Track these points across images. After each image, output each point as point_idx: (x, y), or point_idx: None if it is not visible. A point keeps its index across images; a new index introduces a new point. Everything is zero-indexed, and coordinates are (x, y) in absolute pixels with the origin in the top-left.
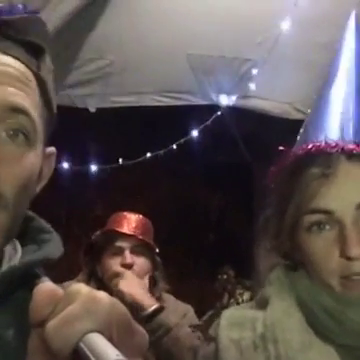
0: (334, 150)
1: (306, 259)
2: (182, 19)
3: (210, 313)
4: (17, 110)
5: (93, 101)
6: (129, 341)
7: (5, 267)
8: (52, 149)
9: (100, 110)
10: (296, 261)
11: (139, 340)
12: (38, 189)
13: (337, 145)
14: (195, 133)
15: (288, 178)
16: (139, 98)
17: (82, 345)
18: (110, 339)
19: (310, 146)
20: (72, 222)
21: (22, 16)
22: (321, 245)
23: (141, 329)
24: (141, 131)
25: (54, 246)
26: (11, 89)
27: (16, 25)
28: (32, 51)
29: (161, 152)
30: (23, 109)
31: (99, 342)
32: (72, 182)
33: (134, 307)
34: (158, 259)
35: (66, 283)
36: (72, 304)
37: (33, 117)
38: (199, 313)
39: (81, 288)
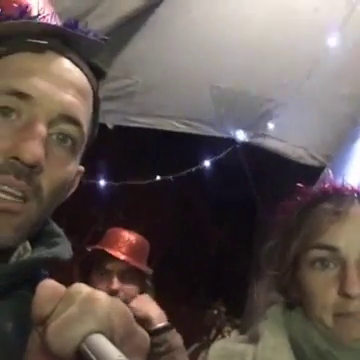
0: (349, 192)
1: (304, 294)
2: (212, 50)
3: (195, 346)
4: (71, 120)
5: (112, 118)
6: (130, 341)
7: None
8: (81, 168)
9: (116, 128)
10: (293, 298)
11: (140, 340)
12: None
13: (353, 188)
14: (207, 164)
15: (299, 211)
16: (158, 121)
17: (84, 346)
18: (111, 339)
19: (327, 185)
20: (72, 236)
21: (94, 39)
22: (321, 281)
23: (142, 330)
24: (152, 153)
25: (64, 248)
26: (71, 98)
27: (87, 45)
28: (94, 73)
29: (171, 177)
30: (77, 120)
31: (101, 343)
32: (76, 196)
33: (142, 321)
34: (149, 283)
35: None
36: (72, 305)
37: (84, 130)
38: (185, 344)
39: (82, 288)
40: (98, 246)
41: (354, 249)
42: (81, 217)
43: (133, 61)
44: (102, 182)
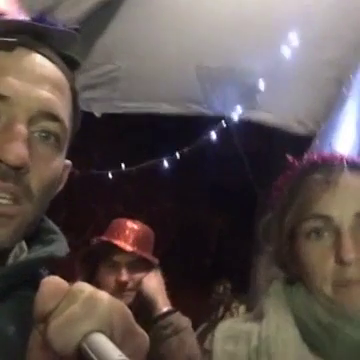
0: (338, 160)
1: (302, 266)
2: (192, 30)
3: (204, 325)
4: (52, 116)
5: (99, 106)
6: (130, 341)
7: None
8: (68, 162)
9: (106, 116)
10: (293, 273)
11: (140, 341)
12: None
13: (341, 156)
14: (199, 143)
15: (292, 184)
16: (145, 105)
17: (85, 345)
18: (112, 339)
19: (316, 156)
20: (70, 228)
21: (64, 30)
22: (318, 251)
23: (142, 331)
24: (149, 141)
25: (60, 245)
26: (49, 94)
27: (58, 37)
28: (68, 64)
29: (164, 159)
30: (58, 117)
31: (101, 342)
32: (72, 188)
33: (149, 303)
34: (158, 271)
35: None
36: (74, 304)
37: (65, 125)
38: (193, 324)
39: (84, 287)
40: (104, 238)
41: (347, 216)
42: (80, 210)
43: (114, 46)
44: (96, 172)
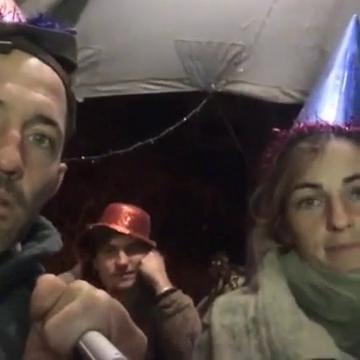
0: (324, 128)
1: (295, 236)
2: (169, 6)
3: (205, 300)
4: (47, 120)
5: (80, 91)
6: (128, 341)
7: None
8: (63, 165)
9: (89, 100)
10: (286, 243)
11: (138, 341)
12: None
13: (327, 124)
14: (184, 120)
15: (279, 156)
16: (126, 86)
17: (81, 343)
18: (109, 338)
19: (302, 125)
20: (64, 214)
21: (61, 33)
22: (309, 220)
23: (140, 331)
24: (133, 122)
25: (53, 241)
26: (44, 97)
27: (55, 40)
28: (65, 67)
29: (151, 140)
30: (53, 120)
31: (98, 341)
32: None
33: (149, 283)
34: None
35: (61, 275)
36: (72, 302)
37: (60, 129)
38: (194, 300)
39: (82, 285)
40: (100, 223)
41: (336, 183)
42: (71, 196)
43: (92, 29)
44: (84, 158)
